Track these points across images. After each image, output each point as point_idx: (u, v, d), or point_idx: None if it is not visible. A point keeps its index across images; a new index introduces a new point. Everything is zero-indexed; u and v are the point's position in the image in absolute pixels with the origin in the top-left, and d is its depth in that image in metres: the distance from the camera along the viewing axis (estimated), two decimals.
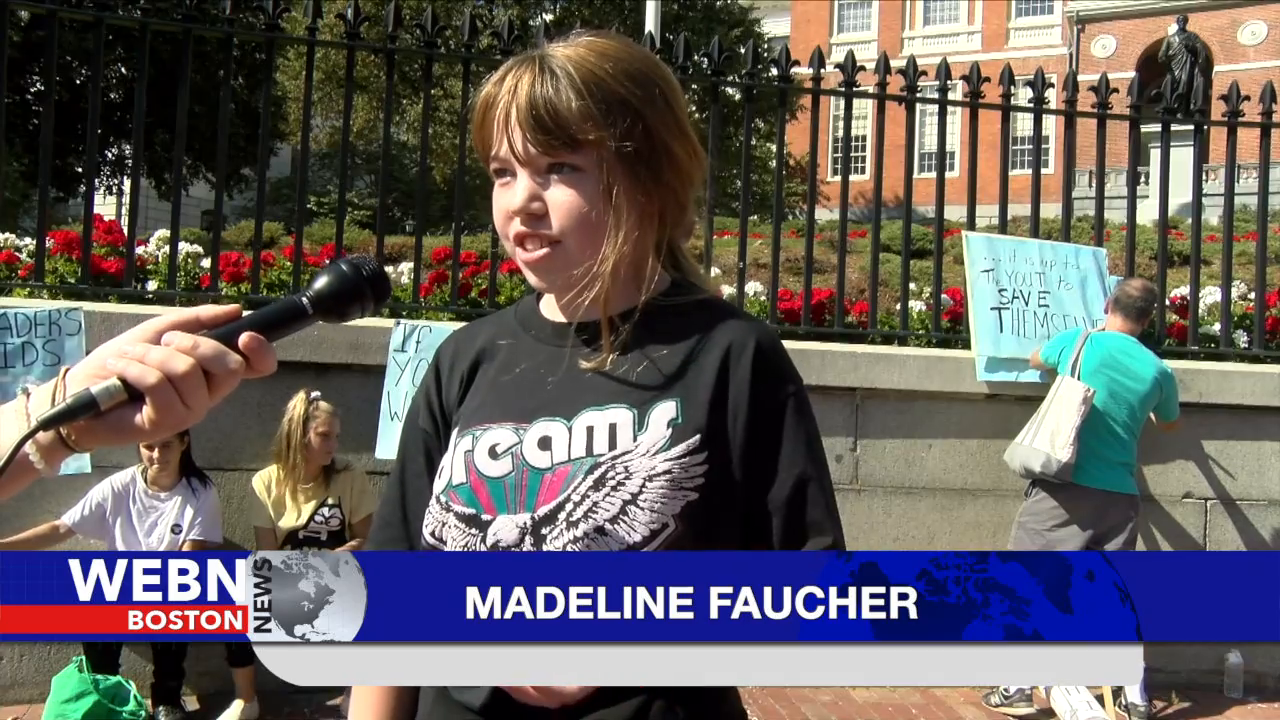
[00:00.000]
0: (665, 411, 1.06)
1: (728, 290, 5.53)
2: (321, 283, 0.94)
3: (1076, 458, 4.19)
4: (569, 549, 1.02)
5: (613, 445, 1.05)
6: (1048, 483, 4.30)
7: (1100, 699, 4.23)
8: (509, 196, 1.07)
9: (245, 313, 0.92)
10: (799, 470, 1.06)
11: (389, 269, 5.97)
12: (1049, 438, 4.23)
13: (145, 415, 0.84)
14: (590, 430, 1.06)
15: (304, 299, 0.94)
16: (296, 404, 4.06)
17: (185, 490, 3.98)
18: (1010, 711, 4.28)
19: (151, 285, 5.19)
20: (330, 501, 4.12)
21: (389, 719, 1.18)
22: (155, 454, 3.87)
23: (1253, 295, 5.79)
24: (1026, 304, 4.90)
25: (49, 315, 4.02)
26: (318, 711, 3.97)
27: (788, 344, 4.64)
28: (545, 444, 1.07)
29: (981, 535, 4.82)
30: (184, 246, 5.31)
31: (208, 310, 0.90)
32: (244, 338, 0.88)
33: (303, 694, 4.06)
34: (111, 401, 0.83)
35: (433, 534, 1.11)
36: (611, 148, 1.05)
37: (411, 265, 4.95)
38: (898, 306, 5.36)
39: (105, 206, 22.07)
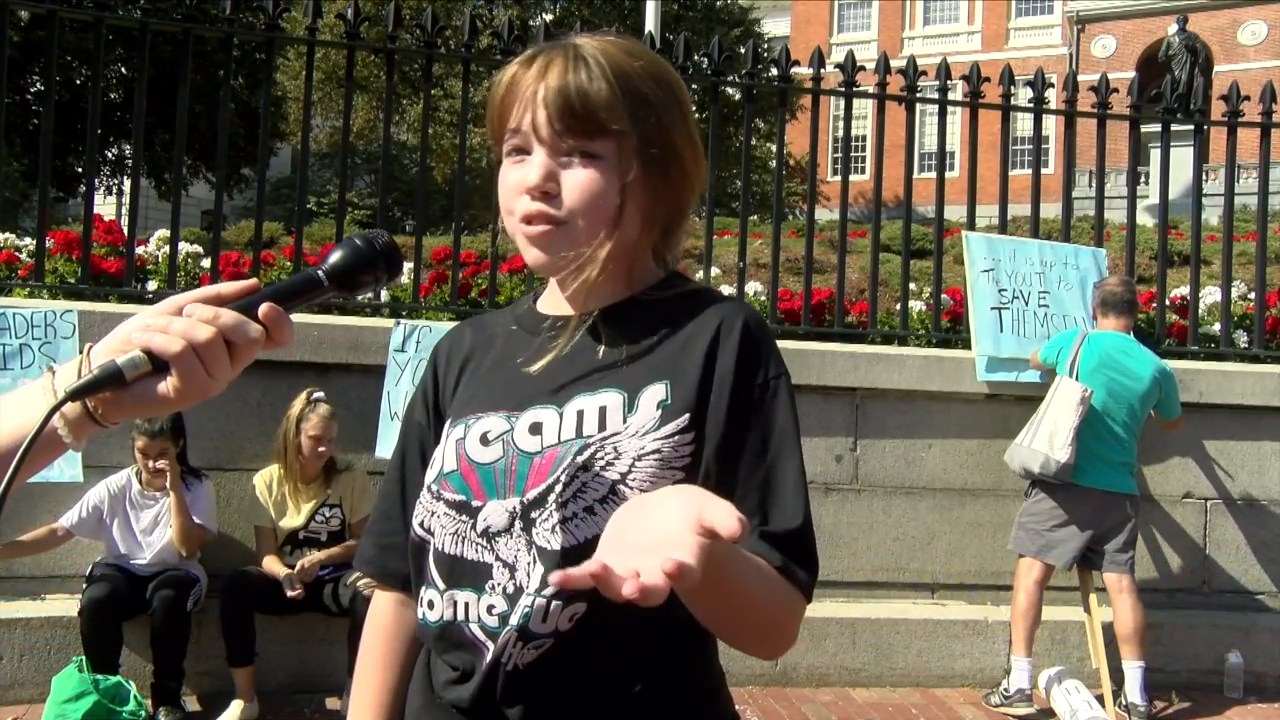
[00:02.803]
0: (655, 394, 1.06)
1: (728, 290, 5.53)
2: (336, 256, 0.99)
3: (1076, 458, 4.20)
4: (558, 530, 1.02)
5: (602, 427, 1.06)
6: (1047, 483, 4.31)
7: (1100, 699, 4.23)
8: (523, 172, 1.08)
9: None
10: (776, 451, 1.06)
11: None
12: (1048, 438, 4.23)
13: (170, 384, 0.86)
14: (580, 414, 1.07)
15: (319, 271, 0.98)
16: (297, 403, 4.07)
17: (180, 488, 3.98)
18: (1010, 711, 4.28)
19: (151, 285, 5.19)
20: (331, 501, 4.12)
21: (387, 717, 1.18)
22: (154, 464, 3.88)
23: (1253, 295, 5.79)
24: (1026, 304, 4.91)
25: (44, 317, 4.00)
26: (318, 711, 3.96)
27: (788, 344, 4.66)
28: (536, 429, 1.08)
29: (981, 535, 4.82)
30: (184, 246, 5.31)
31: (228, 286, 0.92)
32: (263, 307, 0.91)
33: (303, 694, 4.06)
34: (137, 372, 0.85)
35: (421, 524, 1.12)
36: (632, 142, 1.07)
37: (411, 265, 4.95)
38: (898, 306, 5.36)
39: (105, 206, 22.09)
